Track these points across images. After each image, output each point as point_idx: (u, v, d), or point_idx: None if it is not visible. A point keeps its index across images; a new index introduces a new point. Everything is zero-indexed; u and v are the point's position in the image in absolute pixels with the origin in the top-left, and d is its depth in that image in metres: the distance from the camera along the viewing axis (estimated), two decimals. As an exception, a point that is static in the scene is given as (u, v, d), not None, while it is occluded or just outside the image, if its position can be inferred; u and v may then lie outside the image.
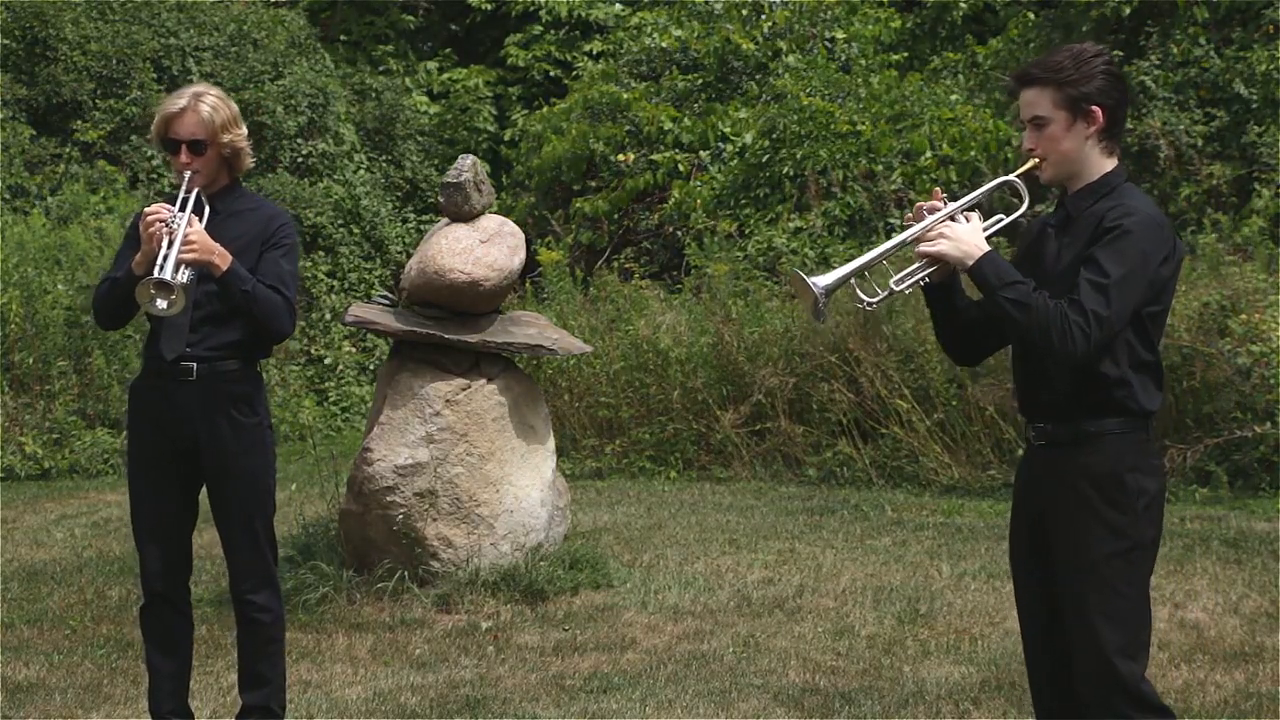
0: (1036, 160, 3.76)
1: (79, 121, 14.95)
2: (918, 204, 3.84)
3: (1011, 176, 3.84)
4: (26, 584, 7.66)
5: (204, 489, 4.89)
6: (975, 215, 3.80)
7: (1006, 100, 14.61)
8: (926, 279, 3.81)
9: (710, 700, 5.65)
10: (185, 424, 4.73)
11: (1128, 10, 13.64)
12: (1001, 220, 3.88)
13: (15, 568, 8.05)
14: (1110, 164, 3.75)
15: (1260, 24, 13.49)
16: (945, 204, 3.81)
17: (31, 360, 11.89)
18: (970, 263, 3.69)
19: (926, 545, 8.19)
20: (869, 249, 3.95)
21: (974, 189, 3.95)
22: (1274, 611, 6.65)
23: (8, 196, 13.87)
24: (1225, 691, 5.59)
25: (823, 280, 3.73)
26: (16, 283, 12.01)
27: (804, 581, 7.41)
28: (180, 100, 4.72)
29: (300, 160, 16.38)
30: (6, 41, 14.82)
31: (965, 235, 3.72)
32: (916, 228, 3.77)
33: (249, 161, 4.87)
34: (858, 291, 3.81)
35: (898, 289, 3.80)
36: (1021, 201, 3.83)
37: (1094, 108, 3.68)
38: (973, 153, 13.68)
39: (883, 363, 10.38)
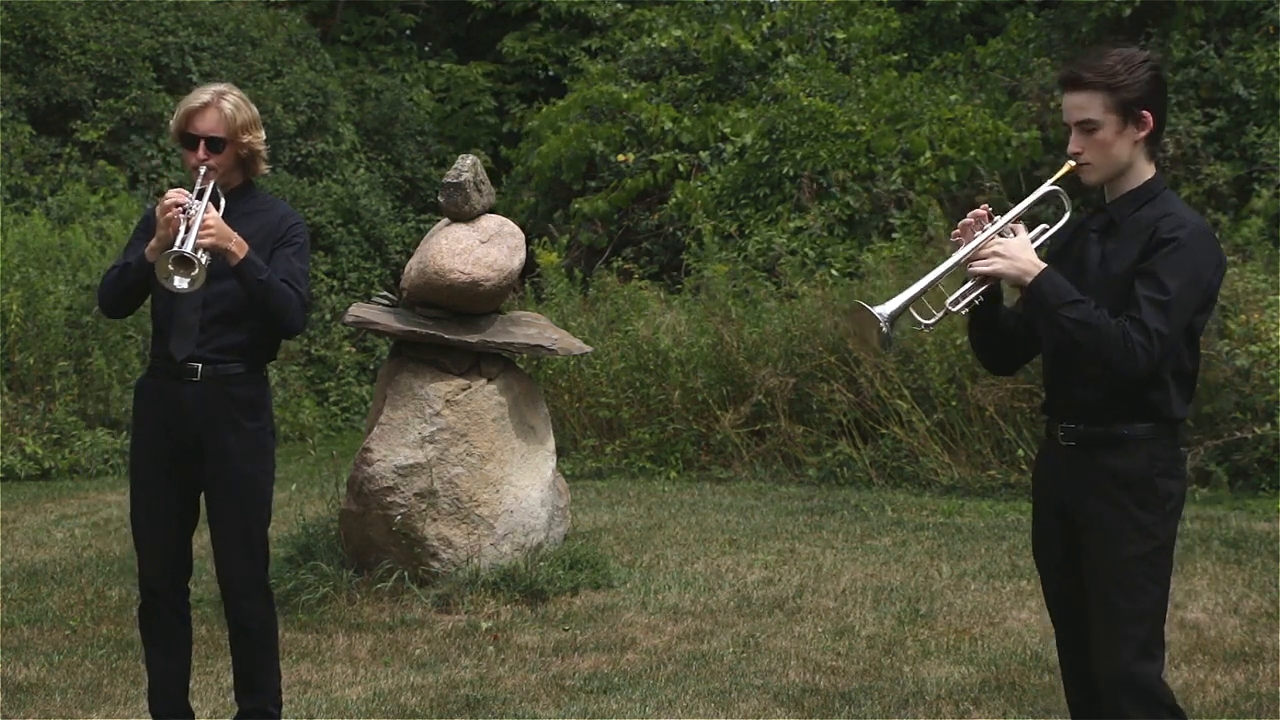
0: (1074, 164, 3.73)
1: (79, 121, 14.94)
2: (963, 221, 3.80)
3: (1056, 186, 3.81)
4: (26, 584, 7.65)
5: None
6: (1022, 228, 3.77)
7: (1006, 100, 14.62)
8: (981, 298, 3.78)
9: (710, 700, 5.65)
10: (189, 425, 4.71)
11: (1128, 11, 13.64)
12: (1048, 230, 3.85)
13: (15, 568, 8.04)
14: (1151, 170, 3.74)
15: (1260, 24, 13.49)
16: (990, 218, 3.77)
17: (32, 360, 11.88)
18: (1029, 280, 3.65)
19: (926, 545, 8.19)
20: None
21: (1021, 200, 3.87)
22: (1274, 611, 6.65)
23: (8, 196, 13.86)
24: (1225, 691, 5.59)
25: (885, 309, 3.69)
26: (18, 283, 12.01)
27: (804, 581, 7.41)
28: (203, 96, 4.73)
29: (300, 160, 16.38)
30: (6, 41, 14.80)
31: (1019, 252, 3.69)
32: (969, 247, 3.74)
33: (264, 167, 4.87)
34: (914, 315, 3.79)
35: (954, 310, 3.79)
36: (1064, 210, 3.81)
37: (1145, 112, 3.66)
38: (972, 153, 13.67)
39: (882, 363, 10.38)
